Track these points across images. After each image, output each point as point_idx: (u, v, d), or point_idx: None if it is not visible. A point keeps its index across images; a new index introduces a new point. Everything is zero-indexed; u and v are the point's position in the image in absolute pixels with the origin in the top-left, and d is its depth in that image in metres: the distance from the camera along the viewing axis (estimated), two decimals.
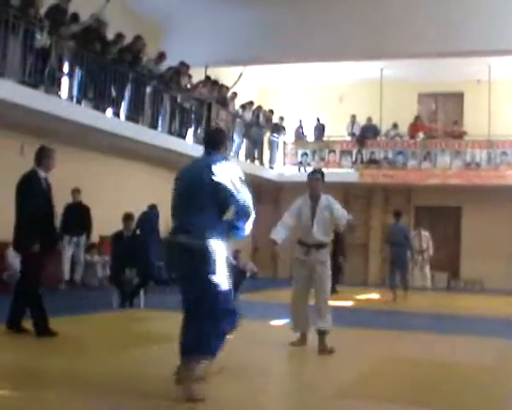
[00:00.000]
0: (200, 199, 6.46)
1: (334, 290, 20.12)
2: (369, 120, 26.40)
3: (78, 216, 16.76)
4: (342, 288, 21.88)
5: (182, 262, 6.60)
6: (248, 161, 24.68)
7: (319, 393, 7.09)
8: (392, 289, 18.59)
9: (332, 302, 17.48)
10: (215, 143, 6.82)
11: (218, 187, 6.31)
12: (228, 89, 23.38)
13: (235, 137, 23.51)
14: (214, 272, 6.47)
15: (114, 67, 16.72)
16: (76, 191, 16.79)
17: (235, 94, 23.75)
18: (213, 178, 6.30)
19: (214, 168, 6.36)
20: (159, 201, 17.64)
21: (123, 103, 17.36)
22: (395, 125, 26.27)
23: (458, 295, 22.71)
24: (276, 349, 10.30)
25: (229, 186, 6.35)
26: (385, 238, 21.10)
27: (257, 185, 27.36)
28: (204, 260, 6.38)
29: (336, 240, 20.47)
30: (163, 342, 9.98)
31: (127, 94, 17.44)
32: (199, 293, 6.52)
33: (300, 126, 27.44)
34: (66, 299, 15.15)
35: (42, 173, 9.64)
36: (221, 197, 6.38)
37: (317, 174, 10.06)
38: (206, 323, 6.47)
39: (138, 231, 16.44)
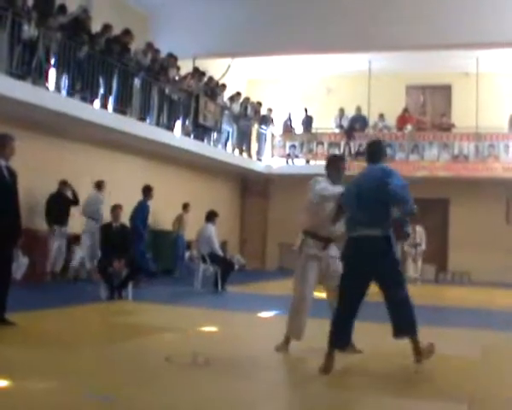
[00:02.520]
0: (377, 199, 7.46)
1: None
2: (359, 110, 26.38)
3: (61, 207, 16.65)
4: None
5: (371, 251, 7.38)
6: (236, 153, 24.65)
7: (308, 385, 7.11)
8: None
9: (322, 294, 17.64)
10: (380, 154, 8.10)
11: (391, 189, 7.39)
12: (216, 81, 23.36)
13: (223, 129, 23.49)
14: (395, 256, 7.61)
15: (102, 59, 16.66)
16: (63, 184, 16.67)
17: (223, 86, 23.73)
18: (388, 181, 7.44)
19: (388, 174, 7.57)
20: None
21: (111, 95, 17.31)
22: (381, 116, 26.24)
23: (446, 287, 22.79)
24: (264, 341, 10.31)
25: (398, 189, 7.42)
26: None
27: (245, 178, 27.46)
28: (389, 247, 7.44)
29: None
30: (153, 333, 9.99)
31: (115, 85, 17.39)
32: (391, 276, 7.54)
33: (289, 119, 27.41)
34: (53, 291, 15.11)
35: (2, 162, 9.41)
36: (392, 197, 7.43)
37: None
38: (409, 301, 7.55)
39: (130, 222, 16.44)
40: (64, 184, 16.76)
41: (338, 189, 8.34)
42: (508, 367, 8.22)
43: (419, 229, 22.21)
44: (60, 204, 16.62)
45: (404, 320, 7.54)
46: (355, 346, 8.22)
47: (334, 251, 8.78)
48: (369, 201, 7.48)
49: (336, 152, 25.86)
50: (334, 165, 8.90)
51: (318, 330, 8.21)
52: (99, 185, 17.52)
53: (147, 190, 17.48)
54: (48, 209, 16.45)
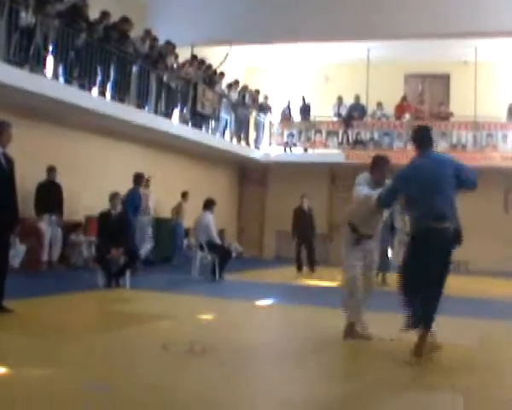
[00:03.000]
0: (453, 186, 7.67)
1: (311, 269, 20.22)
2: (357, 98, 26.35)
3: (52, 195, 16.33)
4: (329, 268, 21.96)
5: (447, 244, 7.62)
6: (234, 141, 24.63)
7: (306, 374, 7.12)
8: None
9: (318, 282, 17.65)
10: (431, 140, 8.05)
11: (471, 173, 7.83)
12: (215, 69, 23.31)
13: (222, 117, 23.45)
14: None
15: (100, 46, 16.60)
16: (50, 169, 16.43)
17: (221, 74, 23.68)
18: (462, 166, 7.83)
19: (451, 162, 7.83)
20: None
21: (109, 83, 17.26)
22: (380, 104, 26.21)
23: None
24: (261, 329, 10.32)
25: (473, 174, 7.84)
26: None
27: (243, 166, 27.44)
28: (457, 241, 7.73)
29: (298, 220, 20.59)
30: (150, 321, 9.99)
31: (113, 73, 17.33)
32: (447, 271, 7.73)
33: (288, 107, 27.37)
34: (50, 279, 15.08)
35: None
36: (472, 182, 7.90)
37: None
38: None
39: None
40: (52, 170, 16.38)
41: (375, 191, 8.26)
42: (505, 356, 8.22)
43: None
44: (50, 192, 16.30)
45: (429, 313, 7.64)
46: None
47: (373, 244, 8.91)
48: (449, 188, 7.63)
49: (334, 141, 25.87)
50: (380, 167, 8.66)
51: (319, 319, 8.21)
52: (137, 181, 17.53)
53: (138, 178, 17.44)
54: (38, 197, 16.14)
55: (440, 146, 24.44)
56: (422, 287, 7.58)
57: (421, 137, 7.99)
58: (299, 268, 20.24)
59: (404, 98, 26.33)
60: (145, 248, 18.31)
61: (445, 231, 7.51)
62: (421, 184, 7.57)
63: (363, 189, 8.47)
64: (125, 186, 16.79)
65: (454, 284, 19.35)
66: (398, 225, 19.46)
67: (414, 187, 7.63)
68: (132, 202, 16.93)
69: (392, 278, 17.54)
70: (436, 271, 7.60)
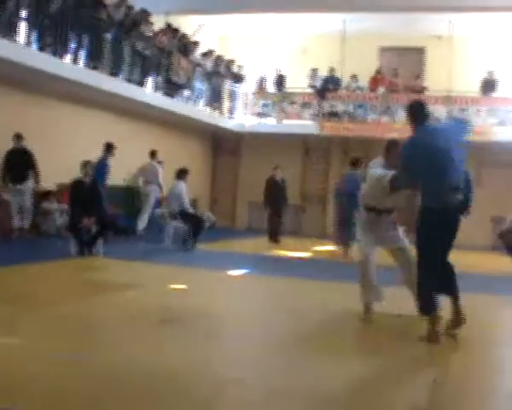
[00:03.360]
0: (454, 158, 7.59)
1: (274, 241, 20.23)
2: (332, 70, 26.32)
3: (21, 162, 15.90)
4: (301, 239, 22.09)
5: (458, 216, 7.71)
6: (208, 110, 24.55)
7: (276, 345, 7.16)
8: (343, 244, 17.10)
9: (289, 253, 17.71)
10: (426, 114, 7.93)
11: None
12: (189, 37, 23.18)
13: (196, 87, 23.35)
14: None
15: (74, 13, 16.43)
16: (17, 137, 15.91)
17: (196, 43, 23.55)
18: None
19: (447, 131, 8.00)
20: (118, 150, 17.57)
21: (82, 50, 17.10)
22: (354, 77, 26.21)
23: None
24: (233, 299, 10.37)
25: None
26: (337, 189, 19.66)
27: (216, 135, 27.38)
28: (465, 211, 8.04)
29: (271, 191, 20.58)
30: (121, 290, 10.00)
31: (87, 40, 17.17)
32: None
33: (263, 77, 27.30)
34: (22, 248, 15.03)
35: None
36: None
37: None
38: None
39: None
40: (19, 137, 15.91)
41: (390, 172, 8.24)
42: (476, 330, 8.29)
43: None
44: (16, 159, 15.86)
45: (454, 283, 7.77)
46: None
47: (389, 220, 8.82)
48: (456, 157, 7.64)
49: (310, 112, 25.85)
50: (395, 151, 8.44)
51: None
52: (153, 154, 17.48)
53: (108, 148, 17.33)
54: (5, 166, 15.82)
55: None
56: (440, 261, 7.62)
57: (417, 112, 7.95)
58: (272, 239, 20.27)
59: (378, 71, 26.35)
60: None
61: (458, 203, 7.58)
62: (429, 159, 7.52)
63: (377, 170, 8.51)
64: (96, 154, 16.71)
65: None
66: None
67: (421, 163, 7.55)
68: (101, 170, 16.79)
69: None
70: (450, 243, 7.68)
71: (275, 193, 20.35)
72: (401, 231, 8.88)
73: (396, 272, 8.69)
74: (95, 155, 16.50)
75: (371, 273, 8.58)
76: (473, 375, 6.47)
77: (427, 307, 7.51)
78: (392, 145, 8.65)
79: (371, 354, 6.98)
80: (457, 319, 7.64)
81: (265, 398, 5.28)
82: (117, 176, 18.74)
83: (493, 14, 22.74)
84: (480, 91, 24.85)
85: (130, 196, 20.27)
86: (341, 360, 6.55)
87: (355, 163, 17.28)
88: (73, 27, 16.48)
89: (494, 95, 24.69)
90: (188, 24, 23.82)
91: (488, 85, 24.89)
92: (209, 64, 24.61)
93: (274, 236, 20.29)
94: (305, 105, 26.09)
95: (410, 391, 5.75)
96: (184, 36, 22.81)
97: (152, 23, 20.51)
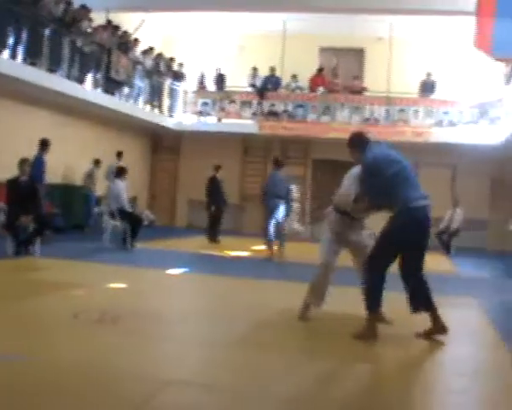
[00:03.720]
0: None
1: (214, 240, 20.23)
2: (272, 70, 26.41)
3: None
4: (241, 238, 22.14)
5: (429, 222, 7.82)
6: (148, 108, 24.44)
7: (210, 342, 7.17)
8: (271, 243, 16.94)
9: (229, 252, 17.72)
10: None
11: None
12: (130, 35, 23.04)
13: (135, 84, 23.22)
14: None
15: (12, 7, 16.19)
16: None
17: (136, 40, 23.43)
18: None
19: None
20: (55, 146, 17.32)
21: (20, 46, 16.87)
22: (294, 76, 26.34)
23: None
24: (172, 298, 10.35)
25: None
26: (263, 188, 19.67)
27: (156, 133, 27.28)
28: None
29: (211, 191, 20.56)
30: (61, 290, 9.90)
31: (25, 36, 16.94)
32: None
33: (203, 76, 27.27)
34: None
35: None
36: None
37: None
38: None
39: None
40: None
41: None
42: (411, 326, 8.40)
43: None
44: None
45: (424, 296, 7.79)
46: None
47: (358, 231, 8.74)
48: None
49: (248, 111, 25.90)
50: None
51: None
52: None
53: (43, 144, 17.06)
54: None
55: (353, 120, 24.81)
56: (417, 265, 7.73)
57: (361, 141, 8.14)
58: (212, 238, 20.24)
59: (320, 69, 26.50)
60: None
61: (429, 207, 7.72)
62: (395, 168, 7.65)
63: (347, 181, 8.62)
64: (35, 152, 16.50)
65: None
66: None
67: (386, 173, 7.62)
68: (37, 168, 16.55)
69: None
70: (422, 246, 7.81)
71: (218, 192, 20.31)
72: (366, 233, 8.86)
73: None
74: (34, 152, 16.29)
75: (328, 280, 8.47)
76: (413, 372, 6.57)
77: (375, 304, 7.65)
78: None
79: (316, 353, 7.02)
80: (437, 327, 7.71)
81: (207, 399, 5.29)
82: (54, 174, 18.54)
83: (432, 18, 23.08)
84: (418, 93, 25.20)
85: (68, 195, 20.07)
86: (284, 359, 6.58)
87: (276, 163, 17.33)
88: (11, 22, 16.25)
89: (432, 96, 25.07)
90: (129, 21, 23.68)
91: (426, 87, 25.26)
92: (149, 62, 24.52)
93: (214, 236, 20.27)
94: (244, 104, 26.14)
95: (351, 388, 5.80)
96: (126, 34, 22.67)
97: (92, 19, 20.34)
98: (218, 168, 20.56)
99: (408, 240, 7.60)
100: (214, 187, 20.37)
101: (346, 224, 8.51)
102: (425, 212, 7.67)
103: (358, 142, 8.14)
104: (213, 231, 20.33)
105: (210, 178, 20.56)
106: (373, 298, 7.67)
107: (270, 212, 16.54)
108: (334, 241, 8.50)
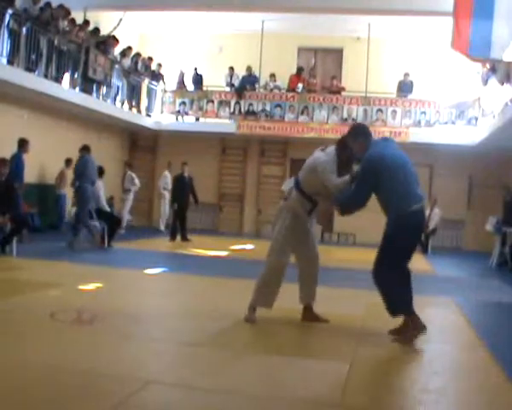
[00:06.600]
0: (412, 168, 7.89)
1: (185, 239, 20.22)
2: (249, 69, 26.39)
3: None
4: (218, 237, 22.09)
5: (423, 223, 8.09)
6: (126, 108, 24.35)
7: (187, 342, 7.14)
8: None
9: (206, 252, 17.71)
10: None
11: None
12: (107, 34, 22.93)
13: (113, 84, 23.12)
14: None
15: None
16: None
17: (114, 39, 23.31)
18: None
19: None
20: (31, 146, 17.17)
21: None
22: (272, 76, 26.34)
23: (331, 247, 22.96)
24: (149, 299, 10.30)
25: None
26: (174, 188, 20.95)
27: (133, 133, 27.19)
28: None
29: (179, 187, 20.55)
30: (37, 290, 9.83)
31: (2, 35, 16.82)
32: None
33: (182, 74, 27.19)
34: None
35: None
36: None
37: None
38: None
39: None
40: None
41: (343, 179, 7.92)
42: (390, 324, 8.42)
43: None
44: None
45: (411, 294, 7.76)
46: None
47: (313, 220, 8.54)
48: (412, 167, 7.89)
49: (226, 111, 25.87)
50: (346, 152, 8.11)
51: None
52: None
53: (22, 143, 16.91)
54: None
55: (331, 119, 24.85)
56: (405, 267, 7.73)
57: (366, 133, 7.96)
58: (174, 237, 20.21)
59: (300, 69, 26.50)
60: None
61: (423, 210, 7.75)
62: (394, 170, 7.60)
63: (329, 160, 8.13)
64: (11, 151, 16.37)
65: (341, 256, 19.72)
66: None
67: (385, 175, 7.56)
68: (17, 167, 16.43)
69: None
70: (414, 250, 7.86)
71: (181, 190, 20.25)
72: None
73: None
74: (10, 152, 16.17)
75: (279, 281, 8.18)
76: (389, 371, 6.59)
77: (405, 305, 7.61)
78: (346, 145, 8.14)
79: (294, 351, 7.01)
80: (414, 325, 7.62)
81: (186, 397, 5.27)
82: (31, 173, 18.41)
83: (410, 18, 23.14)
84: (396, 93, 25.28)
85: (43, 194, 19.94)
86: (259, 359, 6.57)
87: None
88: None
89: (410, 96, 25.14)
90: (107, 20, 23.56)
91: (404, 87, 25.34)
92: (127, 61, 24.43)
93: (182, 234, 20.26)
94: (222, 104, 26.10)
95: (325, 388, 5.79)
96: (101, 32, 22.56)
97: (70, 19, 20.24)
98: (183, 166, 20.54)
99: (409, 243, 7.74)
100: (178, 185, 20.33)
101: (306, 210, 8.24)
102: (423, 214, 7.82)
103: (363, 132, 7.96)
104: (182, 230, 20.31)
105: (174, 176, 20.63)
106: (400, 300, 7.64)
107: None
108: (289, 236, 8.19)
